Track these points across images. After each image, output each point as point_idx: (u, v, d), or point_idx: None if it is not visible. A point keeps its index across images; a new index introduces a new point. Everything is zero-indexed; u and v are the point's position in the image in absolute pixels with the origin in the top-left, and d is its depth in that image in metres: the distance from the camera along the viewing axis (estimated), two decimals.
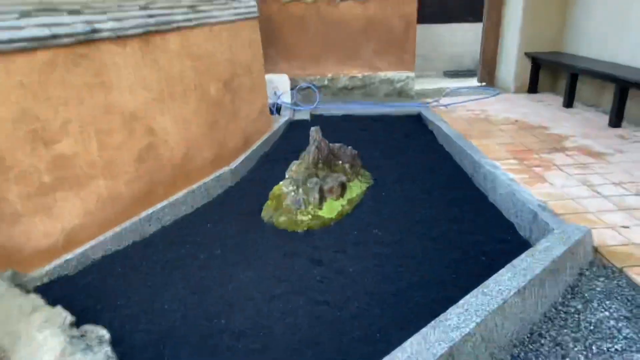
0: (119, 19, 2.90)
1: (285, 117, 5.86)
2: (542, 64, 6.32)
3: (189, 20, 3.53)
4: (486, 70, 7.29)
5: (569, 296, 2.37)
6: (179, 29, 3.39)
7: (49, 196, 2.59)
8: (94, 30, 2.69)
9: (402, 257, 2.84)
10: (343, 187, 3.69)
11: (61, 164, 2.64)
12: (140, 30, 3.04)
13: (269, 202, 3.55)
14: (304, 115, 6.08)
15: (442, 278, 2.58)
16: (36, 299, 2.15)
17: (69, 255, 2.68)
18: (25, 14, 2.35)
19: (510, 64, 6.67)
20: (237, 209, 3.65)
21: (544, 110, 5.76)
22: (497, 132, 4.96)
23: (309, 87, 6.73)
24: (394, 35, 6.77)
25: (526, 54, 6.45)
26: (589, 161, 4.00)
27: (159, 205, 3.30)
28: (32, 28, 2.36)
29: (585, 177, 3.67)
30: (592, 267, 2.58)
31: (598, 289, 2.39)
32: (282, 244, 3.10)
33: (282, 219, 3.34)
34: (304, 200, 3.42)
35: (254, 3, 4.79)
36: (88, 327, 2.09)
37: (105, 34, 2.78)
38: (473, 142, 4.56)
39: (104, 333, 2.07)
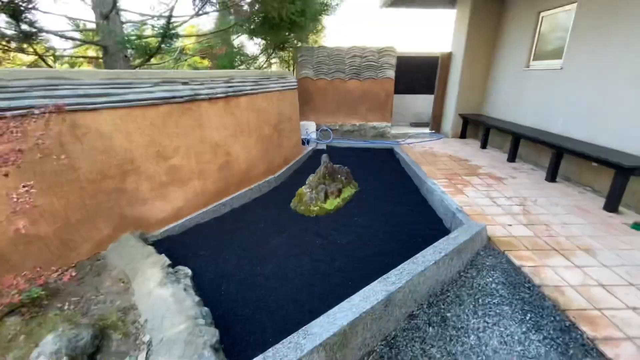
0: (211, 88, 3.24)
1: (311, 147, 6.09)
2: (469, 120, 6.31)
3: (254, 89, 3.75)
4: (435, 122, 7.29)
5: (468, 267, 2.44)
6: (246, 94, 3.59)
7: (165, 189, 2.80)
8: (196, 94, 2.92)
9: (371, 235, 2.94)
10: (340, 191, 3.98)
11: (173, 171, 2.84)
12: (223, 95, 3.24)
13: (295, 197, 3.72)
14: (322, 146, 6.29)
15: (394, 250, 2.67)
16: (151, 249, 2.35)
17: (174, 224, 2.90)
18: (155, 84, 2.62)
19: (450, 119, 6.72)
20: (276, 201, 3.80)
21: (469, 149, 5.79)
22: (438, 162, 4.99)
23: (326, 130, 7.10)
24: (379, 101, 7.00)
25: (460, 114, 6.51)
26: (492, 182, 4.02)
27: (230, 197, 3.50)
28: (159, 92, 2.60)
29: (488, 192, 3.69)
30: (485, 250, 2.64)
31: (487, 263, 2.46)
32: (300, 223, 3.23)
33: (302, 208, 3.51)
34: (315, 198, 3.72)
35: (294, 80, 5.16)
36: (179, 267, 2.26)
37: (202, 97, 2.99)
38: (422, 167, 4.61)
39: (188, 271, 2.23)
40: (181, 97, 2.80)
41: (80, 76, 2.17)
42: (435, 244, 2.43)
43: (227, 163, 3.46)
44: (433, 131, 7.33)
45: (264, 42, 6.07)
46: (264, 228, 3.13)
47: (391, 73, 6.53)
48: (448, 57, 6.69)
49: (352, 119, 6.91)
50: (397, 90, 8.07)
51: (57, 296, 1.91)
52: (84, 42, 3.99)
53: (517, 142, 4.88)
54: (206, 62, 5.51)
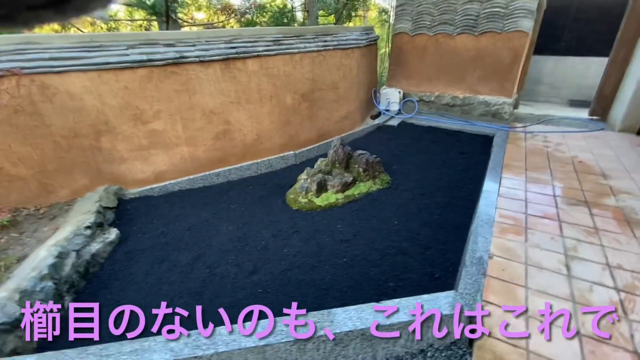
0: (204, 49, 3.00)
1: (378, 121, 5.11)
2: None
3: (270, 50, 3.29)
4: (601, 105, 4.53)
5: None
6: (257, 56, 3.21)
7: (145, 151, 2.93)
8: (182, 57, 2.79)
9: (323, 257, 2.26)
10: (346, 185, 3.20)
11: (155, 134, 2.92)
12: (221, 57, 2.99)
13: (297, 183, 3.25)
14: (394, 122, 5.22)
15: (308, 291, 1.99)
16: (96, 206, 2.55)
17: (154, 185, 3.04)
18: (131, 47, 2.61)
19: (626, 101, 4.03)
20: (278, 181, 3.43)
21: (631, 157, 3.39)
22: (544, 169, 3.18)
23: (411, 101, 5.79)
24: (499, 65, 4.92)
25: None
26: (608, 229, 2.23)
27: (227, 168, 3.39)
28: (135, 55, 2.60)
29: (587, 247, 2.05)
30: None
31: None
32: (280, 212, 2.87)
33: (291, 196, 3.05)
34: (307, 188, 3.15)
35: (353, 38, 4.27)
36: (110, 230, 2.45)
37: (190, 59, 2.84)
38: (506, 175, 3.08)
39: (110, 236, 2.38)
40: (162, 59, 2.74)
41: (51, 40, 2.40)
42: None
43: (225, 132, 3.31)
44: (593, 117, 4.73)
45: None
46: (232, 211, 2.90)
47: (527, 24, 4.42)
48: None
49: (454, 89, 5.28)
50: (555, 51, 5.59)
51: (13, 228, 2.38)
52: (130, 5, 4.49)
53: None
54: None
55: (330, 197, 3.02)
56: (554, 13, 5.40)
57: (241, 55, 3.12)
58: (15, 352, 1.51)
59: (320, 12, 5.66)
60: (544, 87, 5.92)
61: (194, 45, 2.87)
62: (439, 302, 1.57)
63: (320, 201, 2.97)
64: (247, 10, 5.35)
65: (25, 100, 2.38)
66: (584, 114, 4.93)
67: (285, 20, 5.28)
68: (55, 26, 4.57)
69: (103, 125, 2.70)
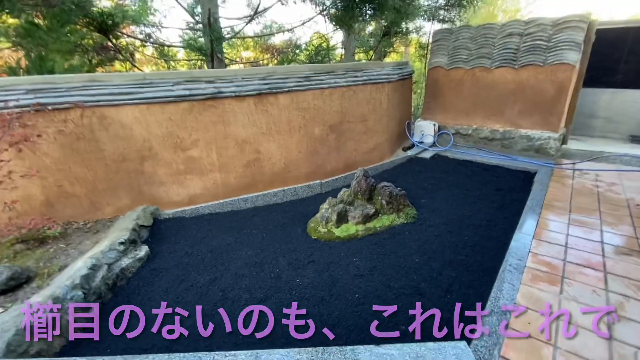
0: (240, 85, 3.27)
1: (409, 153, 4.98)
2: None
3: (301, 85, 3.48)
4: None
5: None
6: (289, 91, 3.42)
7: (182, 176, 3.18)
8: (220, 92, 3.06)
9: (336, 291, 2.22)
10: (368, 216, 3.13)
11: (192, 161, 3.17)
12: (255, 92, 3.22)
13: (319, 212, 3.24)
14: (427, 154, 5.09)
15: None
16: (134, 224, 2.78)
17: (188, 207, 3.25)
18: (176, 83, 2.94)
19: None
20: (305, 208, 3.47)
21: None
22: (592, 212, 2.85)
23: (447, 133, 5.61)
24: (542, 99, 4.62)
25: None
26: (628, 294, 1.92)
27: (255, 194, 3.53)
28: (179, 90, 2.91)
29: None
30: None
31: None
32: (299, 240, 2.88)
33: (311, 225, 3.07)
34: (328, 218, 3.13)
35: (384, 73, 4.33)
36: (141, 247, 2.64)
37: (227, 94, 3.10)
38: (546, 216, 2.81)
39: (140, 253, 2.55)
40: (202, 95, 3.04)
41: (111, 78, 2.79)
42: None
43: (255, 160, 3.49)
44: None
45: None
46: (254, 236, 2.97)
47: (573, 56, 4.18)
48: None
49: (493, 122, 5.07)
50: (599, 82, 5.26)
51: (62, 239, 2.68)
52: (183, 47, 5.05)
53: None
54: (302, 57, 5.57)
55: (351, 228, 2.98)
56: (608, 45, 5.06)
57: (274, 90, 3.34)
58: (39, 354, 1.66)
59: (358, 49, 5.91)
60: (599, 121, 5.43)
61: (231, 82, 3.14)
62: (444, 354, 1.43)
63: (340, 232, 2.94)
64: (285, 50, 5.78)
65: (86, 129, 2.76)
66: None
67: (319, 58, 5.59)
68: (118, 66, 5.36)
69: (147, 151, 3.01)
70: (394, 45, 6.93)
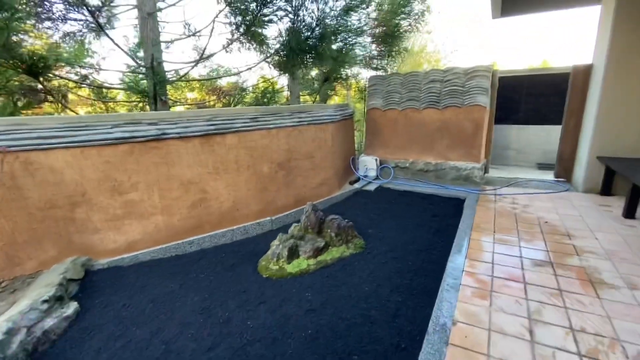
0: (185, 127, 3.30)
1: (356, 186, 5.29)
2: (614, 169, 3.78)
3: (248, 126, 3.60)
4: (562, 167, 4.82)
5: None
6: (237, 131, 3.50)
7: (119, 221, 2.98)
8: (163, 134, 3.03)
9: (295, 324, 2.20)
10: (318, 250, 3.22)
11: (131, 205, 3.00)
12: (201, 133, 3.23)
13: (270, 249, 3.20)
14: (372, 187, 5.47)
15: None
16: (60, 279, 2.53)
17: (126, 255, 3.02)
18: (115, 125, 2.84)
19: (583, 164, 4.34)
20: (255, 247, 3.42)
21: (594, 217, 3.49)
22: (512, 231, 3.25)
23: (387, 167, 6.10)
24: (464, 135, 5.34)
25: (598, 157, 4.14)
26: (572, 290, 2.22)
27: (201, 235, 3.41)
28: (118, 133, 2.81)
29: (546, 310, 2.04)
30: None
31: None
32: (249, 280, 2.80)
33: (262, 263, 3.02)
34: (279, 254, 3.14)
35: (327, 114, 4.65)
36: (70, 304, 2.37)
37: (171, 135, 3.07)
38: (475, 237, 3.15)
39: (67, 311, 2.29)
40: (144, 136, 2.98)
41: (41, 122, 2.63)
42: None
43: (202, 200, 3.42)
44: (559, 179, 5.00)
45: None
46: (200, 281, 2.84)
47: (483, 99, 4.95)
48: (584, 72, 4.48)
49: (426, 156, 5.63)
50: (507, 119, 6.24)
51: None
52: (123, 89, 5.05)
53: None
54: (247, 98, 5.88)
55: (302, 263, 3.00)
56: (509, 89, 6.07)
57: (220, 131, 3.39)
58: None
59: (303, 92, 6.32)
60: (512, 152, 6.34)
61: (175, 124, 3.14)
62: None
63: (292, 268, 2.95)
64: (232, 92, 5.96)
65: (6, 176, 2.51)
66: (550, 176, 5.21)
67: (266, 100, 5.86)
68: (48, 108, 5.04)
69: (80, 196, 2.80)
70: (336, 89, 7.52)
